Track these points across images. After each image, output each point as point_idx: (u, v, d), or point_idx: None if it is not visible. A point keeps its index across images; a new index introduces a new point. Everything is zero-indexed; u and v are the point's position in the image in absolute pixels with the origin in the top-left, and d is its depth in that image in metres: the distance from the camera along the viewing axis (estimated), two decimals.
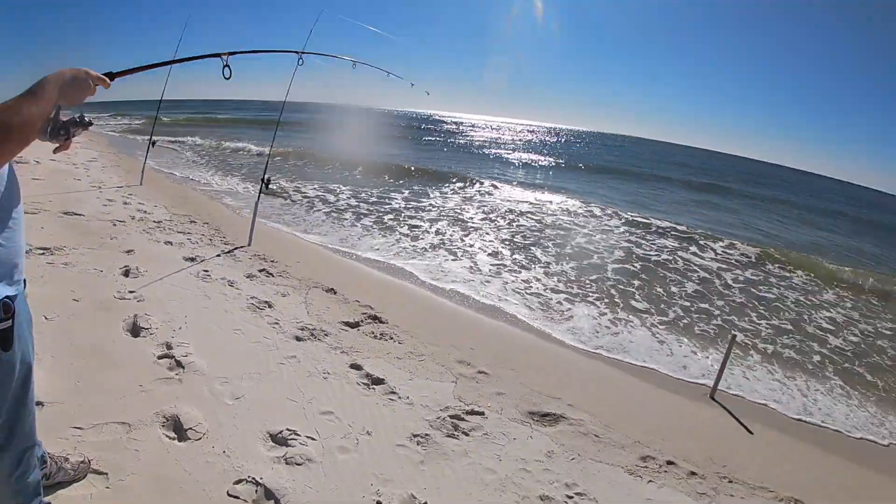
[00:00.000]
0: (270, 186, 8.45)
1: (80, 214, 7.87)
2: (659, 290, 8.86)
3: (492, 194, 17.32)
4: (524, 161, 35.51)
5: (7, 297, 1.72)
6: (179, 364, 3.95)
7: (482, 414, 4.07)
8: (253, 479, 2.90)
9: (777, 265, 11.67)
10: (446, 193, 16.43)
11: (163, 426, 3.21)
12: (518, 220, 13.18)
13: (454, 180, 19.11)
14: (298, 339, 4.80)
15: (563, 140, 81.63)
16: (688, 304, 8.28)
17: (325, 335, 4.96)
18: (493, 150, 41.88)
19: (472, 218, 12.92)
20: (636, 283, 9.06)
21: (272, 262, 7.11)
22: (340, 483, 3.01)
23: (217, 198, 12.01)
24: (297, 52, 6.47)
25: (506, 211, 14.30)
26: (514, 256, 9.70)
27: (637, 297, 8.29)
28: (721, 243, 12.93)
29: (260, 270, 6.64)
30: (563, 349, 6.05)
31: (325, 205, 12.67)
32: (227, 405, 3.54)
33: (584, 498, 3.27)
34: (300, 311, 5.51)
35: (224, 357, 4.20)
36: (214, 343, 4.42)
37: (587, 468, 3.61)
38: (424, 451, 3.45)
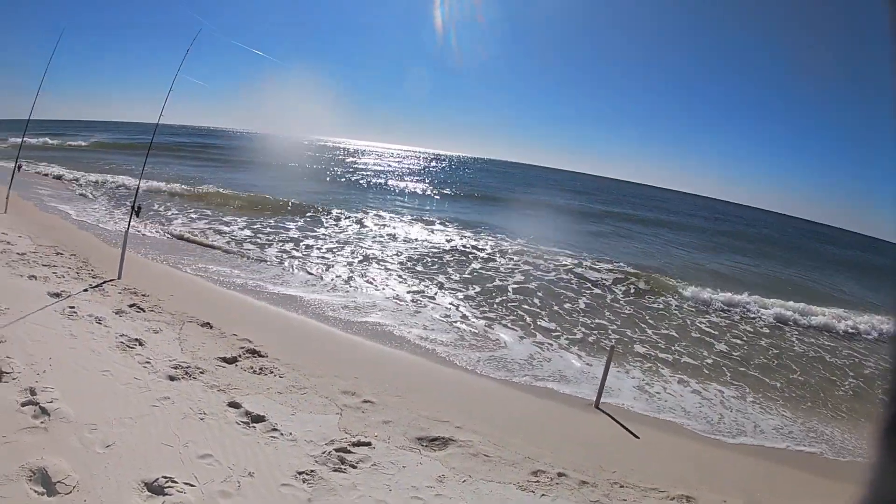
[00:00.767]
0: (141, 214, 8.23)
1: None
2: (545, 306, 9.57)
3: (379, 226, 17.34)
4: (412, 190, 34.66)
5: None
6: (45, 411, 3.88)
7: (369, 444, 4.24)
8: None
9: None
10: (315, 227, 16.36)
11: (29, 480, 3.18)
12: (407, 249, 13.46)
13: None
14: (172, 378, 4.80)
15: (450, 166, 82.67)
16: (572, 318, 9.16)
17: (201, 373, 4.99)
18: (381, 180, 40.41)
19: (366, 247, 13.06)
20: (520, 298, 9.71)
21: (143, 295, 6.95)
22: None
23: (85, 227, 11.36)
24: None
25: (398, 240, 14.59)
26: (402, 281, 9.99)
27: (520, 313, 8.87)
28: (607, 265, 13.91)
29: (130, 305, 6.49)
30: (447, 369, 6.45)
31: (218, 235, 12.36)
32: (98, 454, 3.53)
33: None
34: (173, 349, 5.46)
35: (93, 402, 4.16)
36: (82, 387, 4.35)
37: (479, 489, 3.87)
38: (311, 489, 3.55)
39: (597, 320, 9.36)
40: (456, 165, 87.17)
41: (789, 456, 5.54)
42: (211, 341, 5.85)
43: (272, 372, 5.29)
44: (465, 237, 16.23)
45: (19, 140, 14.20)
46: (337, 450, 4.05)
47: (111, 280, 7.35)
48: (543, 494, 3.93)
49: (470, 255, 13.44)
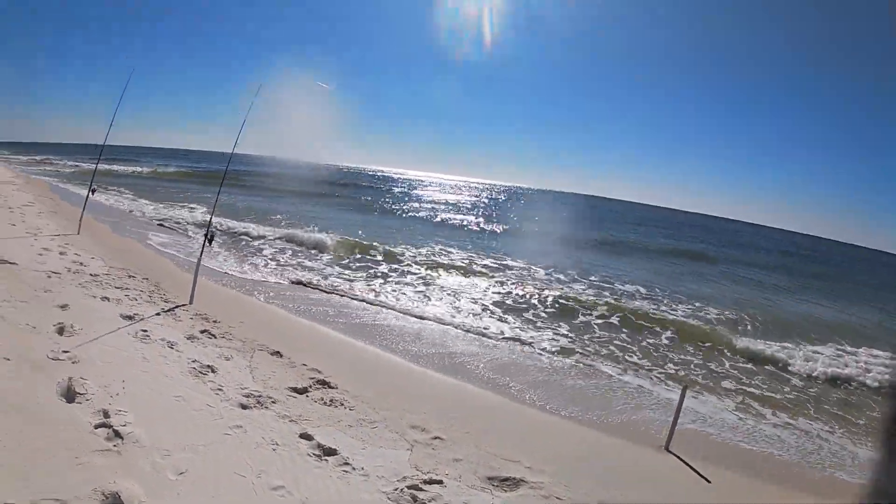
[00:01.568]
0: (214, 241, 8.31)
1: (12, 263, 7.50)
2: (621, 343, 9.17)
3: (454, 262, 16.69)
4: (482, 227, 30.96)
5: None
6: (118, 434, 3.76)
7: (441, 482, 4.02)
8: None
9: None
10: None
11: None
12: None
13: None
14: (244, 406, 4.64)
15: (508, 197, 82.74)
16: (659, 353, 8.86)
17: (273, 402, 4.82)
18: (448, 214, 37.71)
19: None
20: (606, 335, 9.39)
21: (214, 321, 6.90)
22: None
23: (156, 250, 11.64)
24: None
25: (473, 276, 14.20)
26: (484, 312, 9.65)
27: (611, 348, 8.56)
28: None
29: (202, 331, 6.43)
30: (514, 403, 6.15)
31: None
32: (171, 480, 3.37)
33: None
34: (245, 377, 5.33)
35: (165, 427, 4.02)
36: (155, 411, 4.23)
37: None
38: None
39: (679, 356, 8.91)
40: (509, 195, 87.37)
41: None
42: (281, 370, 5.70)
43: (342, 404, 5.10)
44: (555, 282, 14.98)
45: (82, 164, 14.92)
46: (409, 487, 3.85)
47: (183, 305, 7.36)
48: None
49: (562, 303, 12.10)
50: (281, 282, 10.67)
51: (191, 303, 7.50)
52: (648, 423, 6.11)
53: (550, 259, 17.80)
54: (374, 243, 16.10)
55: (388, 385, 5.91)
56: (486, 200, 64.09)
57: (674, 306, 13.35)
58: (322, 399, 5.14)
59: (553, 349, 8.45)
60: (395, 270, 13.45)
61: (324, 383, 5.52)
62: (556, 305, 11.45)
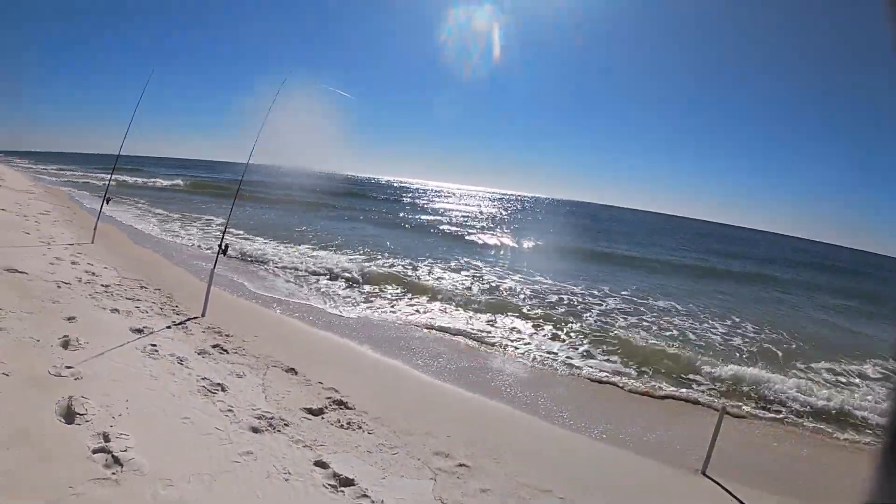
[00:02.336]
0: (228, 252, 8.07)
1: (22, 273, 7.29)
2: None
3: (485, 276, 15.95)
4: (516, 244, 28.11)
5: None
6: (117, 461, 3.44)
7: None
8: None
9: None
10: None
11: None
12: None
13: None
14: (255, 430, 4.31)
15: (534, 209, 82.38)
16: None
17: (286, 425, 4.49)
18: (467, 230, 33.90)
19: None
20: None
21: (227, 335, 6.61)
22: None
23: (172, 259, 11.42)
24: None
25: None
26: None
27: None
28: None
29: (213, 346, 6.14)
30: (543, 423, 5.76)
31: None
32: None
33: None
34: (257, 396, 5.01)
35: (169, 453, 3.69)
36: (159, 435, 3.91)
37: None
38: None
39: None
40: (533, 206, 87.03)
41: None
42: (296, 389, 5.36)
43: (360, 427, 4.75)
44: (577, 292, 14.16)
45: (97, 174, 14.94)
46: None
47: (195, 317, 7.08)
48: None
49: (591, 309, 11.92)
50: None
51: (203, 315, 7.22)
52: (684, 444, 5.69)
53: (588, 278, 16.96)
54: (406, 271, 14.50)
55: (410, 404, 5.56)
56: (506, 212, 63.65)
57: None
58: (339, 421, 4.80)
59: (588, 367, 7.99)
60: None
61: (341, 403, 5.18)
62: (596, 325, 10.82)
